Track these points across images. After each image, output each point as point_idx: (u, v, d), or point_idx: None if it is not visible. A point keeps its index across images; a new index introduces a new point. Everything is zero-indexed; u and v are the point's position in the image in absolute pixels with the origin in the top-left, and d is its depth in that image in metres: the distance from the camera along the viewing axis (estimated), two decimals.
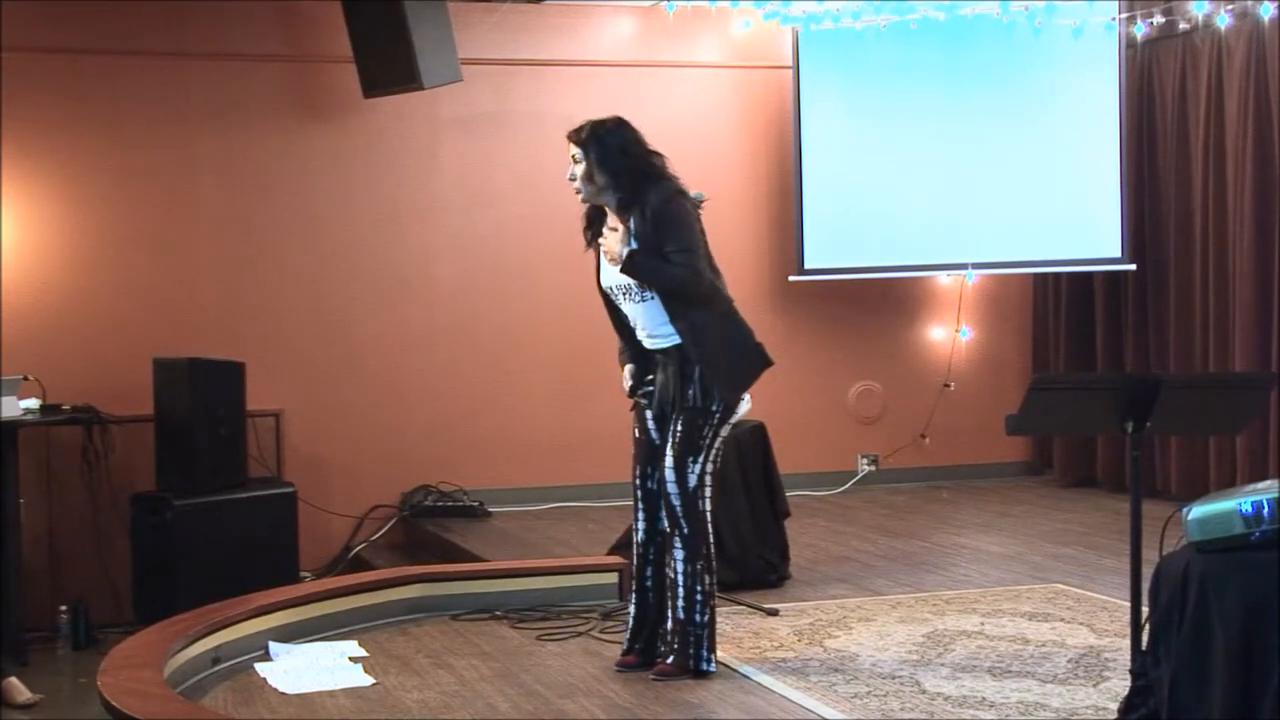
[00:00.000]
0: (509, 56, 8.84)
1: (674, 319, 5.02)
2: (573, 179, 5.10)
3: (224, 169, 8.48)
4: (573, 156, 5.09)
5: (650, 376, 5.18)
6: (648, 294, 5.05)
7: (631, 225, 5.01)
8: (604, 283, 5.20)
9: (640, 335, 5.17)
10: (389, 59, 7.93)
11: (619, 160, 5.03)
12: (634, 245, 4.98)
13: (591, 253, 5.25)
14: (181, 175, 8.41)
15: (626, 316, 5.19)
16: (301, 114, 8.62)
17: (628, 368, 5.24)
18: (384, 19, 7.86)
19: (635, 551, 5.25)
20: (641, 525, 5.23)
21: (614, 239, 5.02)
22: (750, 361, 5.13)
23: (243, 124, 8.50)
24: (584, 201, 5.17)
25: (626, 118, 5.16)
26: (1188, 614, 3.71)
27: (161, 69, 8.35)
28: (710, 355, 5.01)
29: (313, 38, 8.56)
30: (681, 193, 5.05)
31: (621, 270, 5.01)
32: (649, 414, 5.20)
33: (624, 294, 5.12)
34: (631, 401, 5.28)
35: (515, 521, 8.33)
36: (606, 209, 5.13)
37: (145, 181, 8.33)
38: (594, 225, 5.20)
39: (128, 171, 8.30)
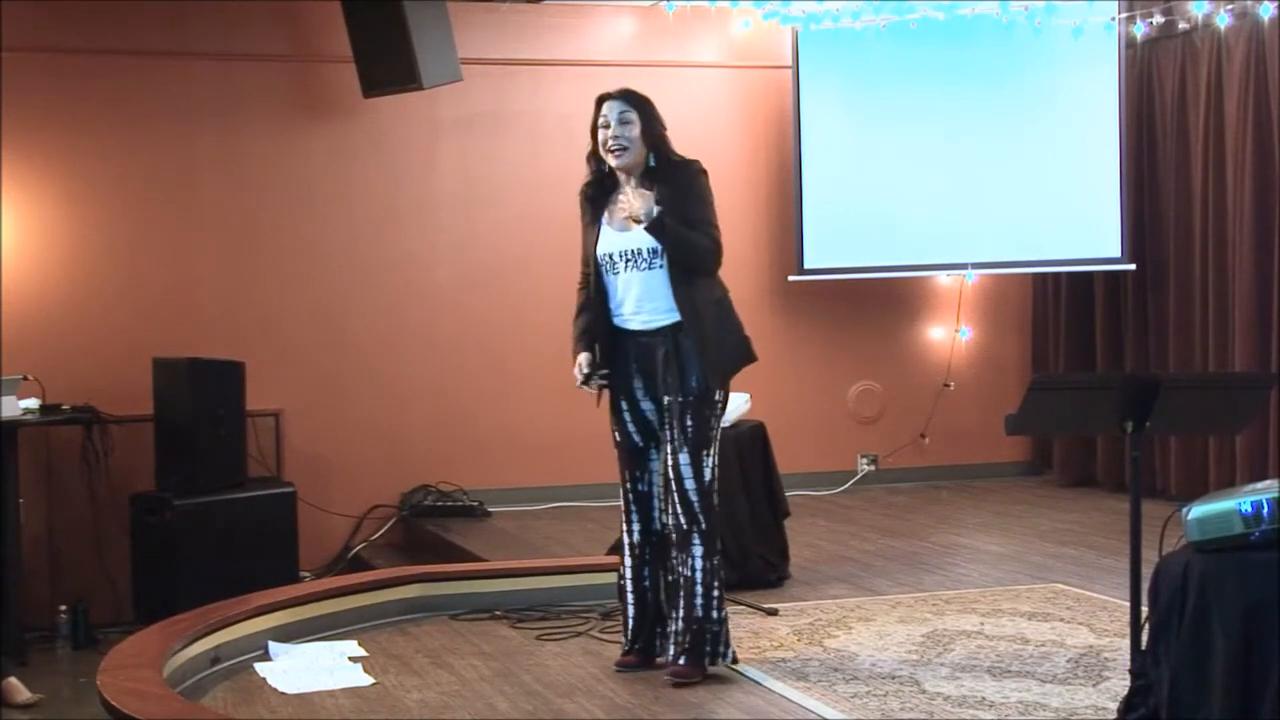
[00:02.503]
0: (509, 56, 8.85)
1: (677, 292, 4.95)
2: (619, 138, 4.99)
3: (224, 168, 8.48)
4: (620, 117, 5.00)
5: (604, 370, 5.07)
6: (657, 261, 4.97)
7: (655, 193, 4.94)
8: (604, 249, 5.07)
9: (627, 312, 5.05)
10: (389, 59, 7.93)
11: (660, 128, 5.07)
12: (660, 207, 4.91)
13: (584, 227, 5.16)
14: (181, 175, 8.41)
15: (610, 292, 5.07)
16: (301, 114, 8.62)
17: (584, 355, 5.09)
18: (384, 19, 7.86)
19: (630, 554, 5.19)
20: (636, 528, 5.18)
21: (638, 200, 4.92)
22: (739, 351, 5.09)
23: (243, 124, 8.50)
24: (618, 168, 5.04)
25: None
26: (1187, 614, 3.71)
27: (162, 69, 8.35)
28: (704, 334, 4.95)
29: (313, 38, 8.56)
30: (706, 173, 5.09)
31: (648, 229, 4.91)
32: (627, 416, 5.13)
33: (629, 261, 5.02)
34: (609, 404, 5.16)
35: (514, 521, 8.33)
36: (621, 178, 5.06)
37: (145, 181, 8.33)
38: (599, 195, 5.12)
39: (127, 171, 8.30)
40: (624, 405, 5.15)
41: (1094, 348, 9.19)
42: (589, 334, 5.12)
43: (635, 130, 5.01)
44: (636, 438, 5.16)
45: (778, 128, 9.25)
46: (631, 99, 5.05)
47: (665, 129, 5.10)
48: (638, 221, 4.93)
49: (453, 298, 8.84)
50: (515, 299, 8.90)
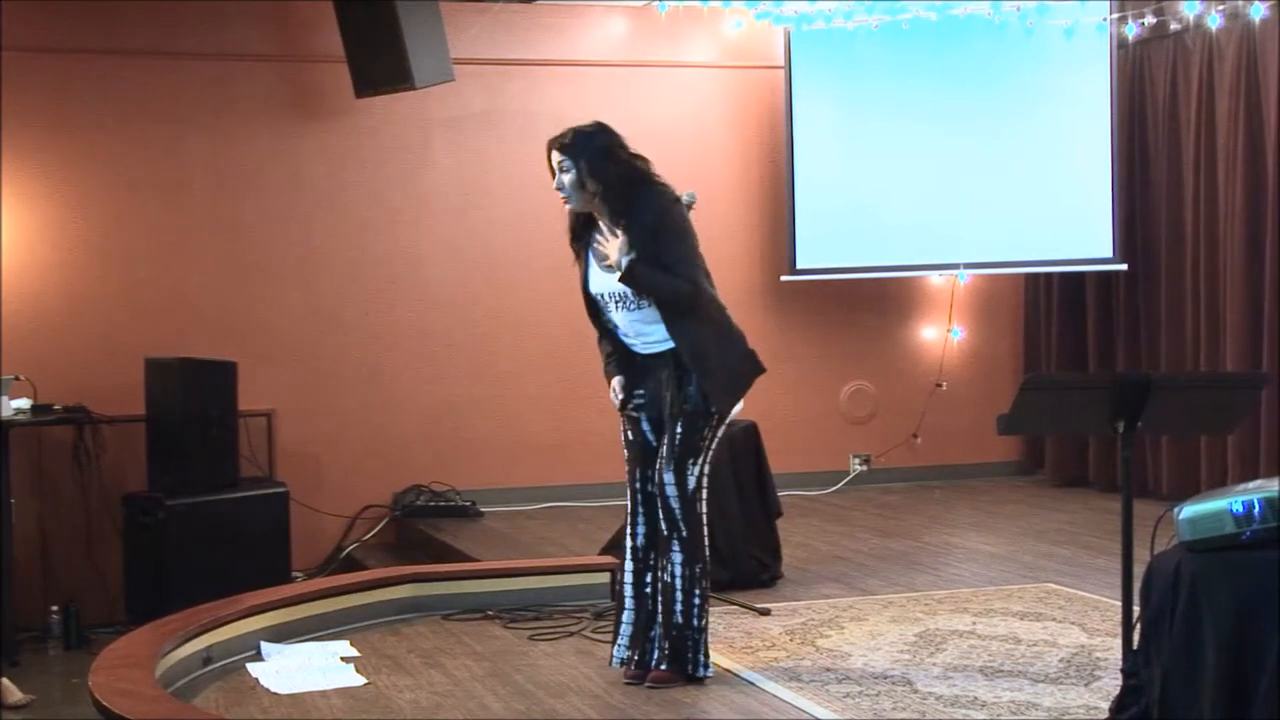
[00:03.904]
0: (501, 56, 8.84)
1: (670, 329, 4.94)
2: (560, 188, 4.96)
3: (216, 169, 8.48)
4: (559, 165, 4.95)
5: (639, 390, 5.07)
6: (643, 302, 4.95)
7: (625, 237, 4.88)
8: (593, 289, 5.07)
9: (629, 341, 5.08)
10: (381, 59, 7.93)
11: (608, 166, 4.91)
12: (632, 254, 4.87)
13: (576, 262, 5.13)
14: (174, 175, 8.40)
15: (613, 324, 5.09)
16: (293, 114, 8.61)
17: (617, 380, 5.11)
18: (376, 19, 7.86)
19: (633, 557, 5.11)
20: (641, 530, 5.11)
21: (612, 246, 4.90)
22: (744, 371, 5.08)
23: (235, 124, 8.49)
24: (574, 210, 5.03)
25: (607, 121, 5.05)
26: (1179, 613, 3.71)
27: (154, 69, 8.34)
28: (706, 366, 4.93)
29: (305, 38, 8.56)
30: (676, 199, 5.00)
31: (620, 279, 4.90)
32: (644, 418, 5.11)
33: (617, 302, 5.01)
34: (607, 404, 5.17)
35: (507, 521, 8.33)
36: (596, 216, 5.01)
37: (137, 181, 8.32)
38: (581, 233, 5.09)
39: (119, 171, 8.29)
40: (640, 415, 5.13)
41: (1086, 347, 9.20)
42: (615, 357, 5.12)
43: (573, 178, 4.92)
44: (651, 437, 5.11)
45: (770, 128, 9.25)
46: (566, 148, 4.94)
47: (622, 160, 4.93)
48: (612, 270, 4.93)
49: (446, 297, 8.84)
50: (508, 299, 8.90)
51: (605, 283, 5.02)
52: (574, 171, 4.93)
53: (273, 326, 8.53)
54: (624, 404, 5.10)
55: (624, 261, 4.87)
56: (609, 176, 4.92)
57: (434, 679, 5.23)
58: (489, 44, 8.76)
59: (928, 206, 8.90)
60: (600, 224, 5.01)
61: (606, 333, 5.15)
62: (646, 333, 5.03)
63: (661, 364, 5.01)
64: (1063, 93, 8.77)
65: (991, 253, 8.95)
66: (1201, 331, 8.33)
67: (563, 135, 4.99)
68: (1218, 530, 3.71)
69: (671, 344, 4.97)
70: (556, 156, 4.97)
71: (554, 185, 5.00)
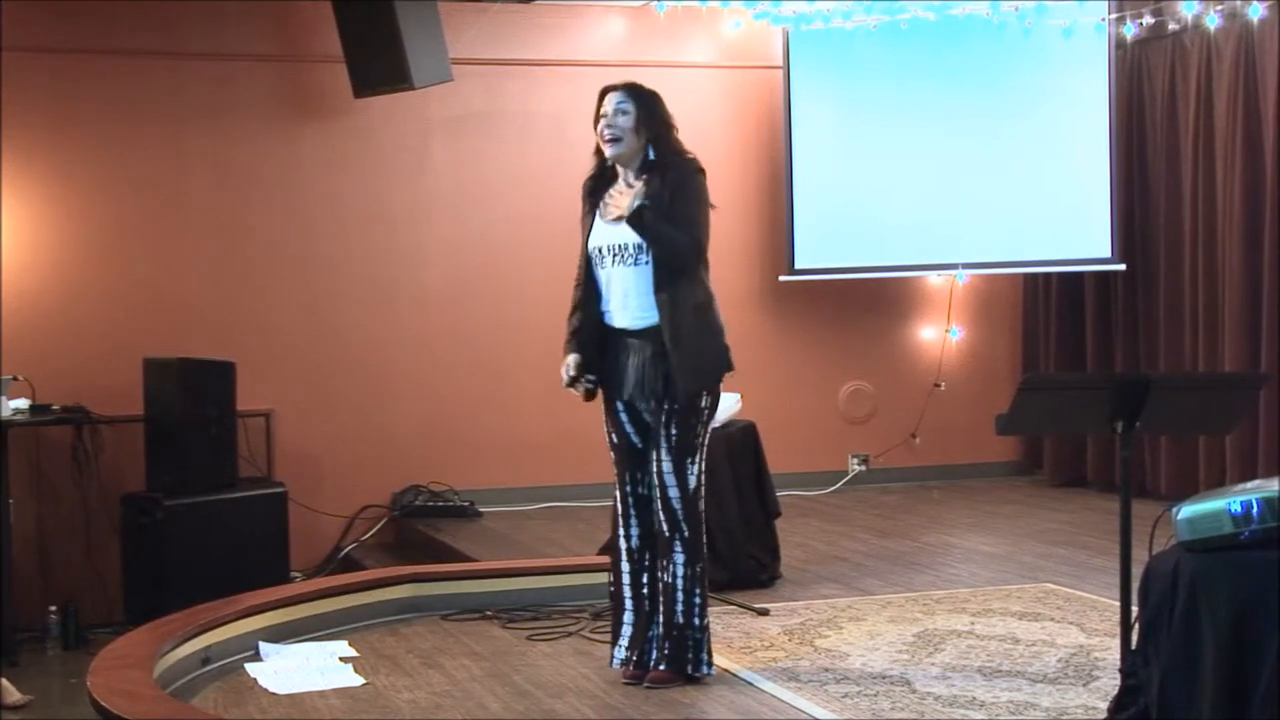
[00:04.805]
0: (500, 56, 8.84)
1: (658, 288, 4.92)
2: (611, 128, 5.00)
3: (215, 169, 8.48)
4: (618, 107, 5.01)
5: (590, 376, 5.06)
6: (643, 258, 4.93)
7: (644, 187, 4.93)
8: (595, 242, 5.05)
9: (614, 309, 5.02)
10: (380, 59, 7.93)
11: (661, 124, 5.05)
12: (646, 201, 4.90)
13: (582, 220, 5.14)
14: (172, 175, 8.40)
15: (600, 288, 5.04)
16: (292, 114, 8.61)
17: (572, 357, 5.06)
18: (375, 19, 7.86)
19: (629, 559, 5.11)
20: (636, 531, 5.11)
21: (626, 195, 4.94)
22: (716, 358, 5.02)
23: (234, 124, 8.49)
24: (611, 158, 5.03)
25: None
26: (1177, 613, 3.71)
27: (153, 69, 8.34)
28: (681, 336, 4.90)
29: (304, 38, 8.56)
30: (702, 171, 5.06)
31: (628, 220, 4.89)
32: (624, 417, 5.08)
33: (617, 256, 4.98)
34: (603, 405, 5.12)
35: (506, 521, 8.33)
36: (619, 172, 5.05)
37: (136, 181, 8.32)
38: (598, 187, 5.10)
39: (118, 171, 8.29)
40: (620, 407, 5.10)
41: (1084, 347, 9.20)
42: (580, 335, 5.08)
43: (629, 121, 5.01)
44: (635, 439, 5.10)
45: (769, 128, 9.26)
46: (631, 91, 5.07)
47: (671, 126, 5.08)
48: (620, 218, 4.92)
49: (444, 298, 8.84)
50: (506, 299, 8.90)
51: (608, 235, 5.01)
52: (632, 115, 5.03)
53: (272, 326, 8.53)
54: (573, 381, 5.07)
55: (635, 203, 4.90)
56: (659, 133, 5.04)
57: (433, 679, 5.23)
58: (488, 44, 8.76)
59: (926, 206, 8.90)
60: (620, 179, 5.06)
61: (584, 305, 5.08)
62: (635, 297, 4.96)
63: (642, 343, 4.96)
64: (1061, 93, 8.78)
65: (990, 253, 8.96)
66: (1200, 331, 8.33)
67: (626, 83, 5.11)
68: (1216, 530, 3.72)
69: (654, 320, 4.93)
70: (617, 97, 5.05)
71: (602, 125, 5.03)
